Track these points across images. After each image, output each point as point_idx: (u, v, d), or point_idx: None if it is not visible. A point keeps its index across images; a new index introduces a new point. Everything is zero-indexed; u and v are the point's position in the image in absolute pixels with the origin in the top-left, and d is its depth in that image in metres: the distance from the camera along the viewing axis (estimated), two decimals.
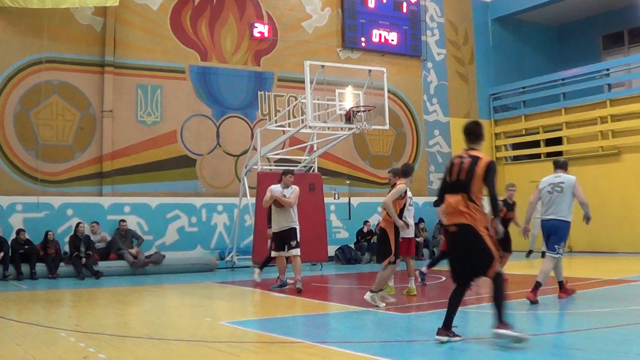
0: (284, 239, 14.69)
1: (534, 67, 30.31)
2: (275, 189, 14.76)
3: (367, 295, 11.58)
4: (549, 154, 27.87)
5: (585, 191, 25.93)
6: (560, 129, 27.43)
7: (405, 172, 12.42)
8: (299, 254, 14.78)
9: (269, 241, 16.14)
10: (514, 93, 29.75)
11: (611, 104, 25.67)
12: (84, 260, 18.94)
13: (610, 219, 24.99)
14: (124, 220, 20.67)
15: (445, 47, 29.40)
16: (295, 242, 14.57)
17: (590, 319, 10.16)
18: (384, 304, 11.54)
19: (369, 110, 19.21)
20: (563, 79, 27.70)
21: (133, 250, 20.13)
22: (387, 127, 20.32)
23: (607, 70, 26.77)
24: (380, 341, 8.66)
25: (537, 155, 28.34)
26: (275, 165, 22.49)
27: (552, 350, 7.83)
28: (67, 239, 19.64)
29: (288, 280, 15.43)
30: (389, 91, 21.26)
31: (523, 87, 29.21)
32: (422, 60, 28.55)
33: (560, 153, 27.41)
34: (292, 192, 14.85)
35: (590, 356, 7.49)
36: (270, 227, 15.47)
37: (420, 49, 28.40)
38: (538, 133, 28.24)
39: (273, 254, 15.00)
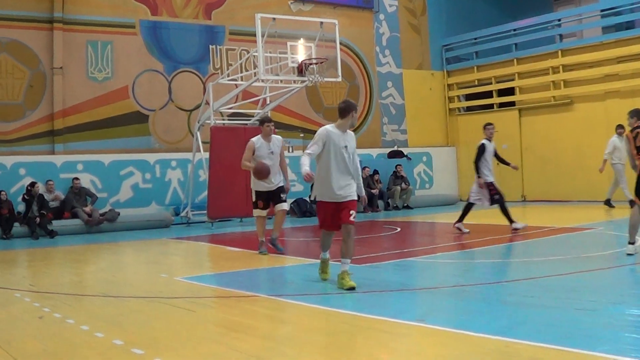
0: (270, 198, 13.16)
1: (486, 17, 30.26)
2: (257, 142, 13.07)
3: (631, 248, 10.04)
4: (501, 105, 28.04)
5: (537, 141, 26.28)
6: (512, 79, 27.53)
7: None
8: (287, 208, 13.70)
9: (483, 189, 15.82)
10: (466, 44, 29.76)
11: (563, 54, 25.80)
12: (38, 219, 18.78)
13: (563, 168, 25.31)
14: (77, 178, 20.46)
15: None
16: (285, 196, 13.31)
17: (543, 266, 10.32)
18: None
19: (321, 63, 19.18)
20: (515, 30, 27.71)
21: (87, 209, 19.98)
22: (339, 79, 20.26)
23: (559, 20, 26.84)
24: (336, 293, 8.73)
25: (490, 106, 28.46)
26: (228, 120, 22.40)
27: (505, 298, 7.95)
28: (20, 199, 19.43)
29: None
30: (341, 43, 21.19)
31: (475, 38, 29.21)
32: (374, 12, 28.44)
33: (512, 103, 27.63)
34: (279, 147, 13.36)
35: (543, 303, 7.62)
36: (480, 177, 15.64)
37: (373, 0, 28.27)
38: (490, 84, 28.33)
39: (257, 212, 13.26)
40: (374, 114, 27.98)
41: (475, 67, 28.94)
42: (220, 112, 21.98)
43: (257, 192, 13.16)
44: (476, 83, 29.05)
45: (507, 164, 16.48)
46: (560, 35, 26.59)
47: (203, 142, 20.78)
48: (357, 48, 27.80)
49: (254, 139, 13.18)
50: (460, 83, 29.77)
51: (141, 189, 22.15)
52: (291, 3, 26.17)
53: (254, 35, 18.76)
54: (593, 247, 12.42)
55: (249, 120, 21.88)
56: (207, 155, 20.34)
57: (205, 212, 20.41)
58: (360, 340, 6.40)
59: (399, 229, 17.67)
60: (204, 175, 21.37)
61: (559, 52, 25.81)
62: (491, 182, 15.76)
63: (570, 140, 25.23)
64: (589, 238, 14.12)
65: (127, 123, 22.54)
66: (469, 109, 29.66)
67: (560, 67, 25.74)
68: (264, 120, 13.40)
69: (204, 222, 20.96)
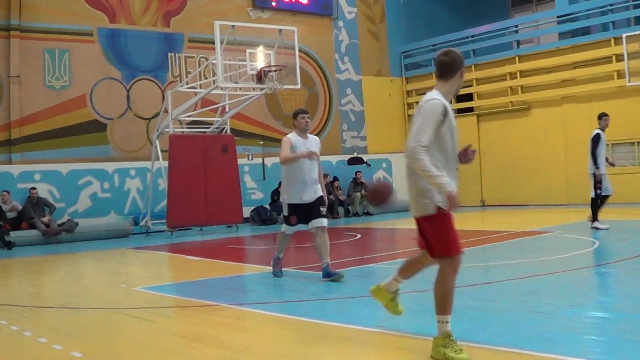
0: (308, 212, 10.52)
1: (444, 24, 30.46)
2: (293, 138, 10.60)
3: None
4: (459, 110, 28.22)
5: (496, 146, 26.57)
6: (470, 85, 27.73)
7: None
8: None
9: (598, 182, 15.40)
10: (425, 50, 29.92)
11: (520, 60, 26.08)
12: None
13: (521, 172, 25.59)
14: (34, 188, 20.22)
15: (356, 6, 29.36)
16: (325, 210, 10.72)
17: (503, 270, 10.39)
18: None
19: (280, 70, 19.20)
20: (473, 36, 27.97)
21: (45, 219, 19.76)
22: (298, 86, 20.28)
23: (516, 27, 27.18)
24: (296, 301, 8.71)
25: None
26: (188, 128, 22.31)
27: (464, 302, 7.97)
28: None
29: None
30: (300, 50, 21.25)
31: (433, 45, 29.36)
32: (333, 19, 28.51)
33: (471, 109, 27.82)
34: (319, 148, 10.82)
35: (502, 307, 7.67)
36: (598, 168, 15.15)
37: (332, 7, 28.33)
38: None
39: (285, 228, 10.70)
40: (333, 121, 28.02)
41: (433, 73, 28.98)
42: (179, 120, 21.89)
43: (292, 206, 10.51)
44: None
45: (607, 159, 16.31)
46: (518, 42, 26.88)
47: (162, 151, 20.67)
48: (316, 55, 27.84)
49: (289, 135, 10.69)
50: (419, 89, 29.89)
51: (100, 198, 21.98)
52: (250, 10, 26.15)
53: (213, 42, 18.71)
54: (551, 251, 12.54)
55: (208, 128, 21.83)
56: (166, 163, 20.24)
57: (165, 221, 20.29)
58: (321, 348, 6.38)
59: (359, 236, 17.69)
60: (163, 184, 21.25)
61: (516, 58, 26.10)
62: (602, 174, 15.55)
63: (527, 145, 25.52)
64: (546, 242, 14.24)
65: (85, 132, 22.36)
66: None
67: (518, 72, 26.03)
68: (297, 113, 10.74)
69: (163, 231, 20.84)
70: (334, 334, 6.83)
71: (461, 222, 15.48)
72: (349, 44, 28.94)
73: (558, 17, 25.68)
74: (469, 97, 27.95)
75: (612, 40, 23.35)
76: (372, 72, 29.36)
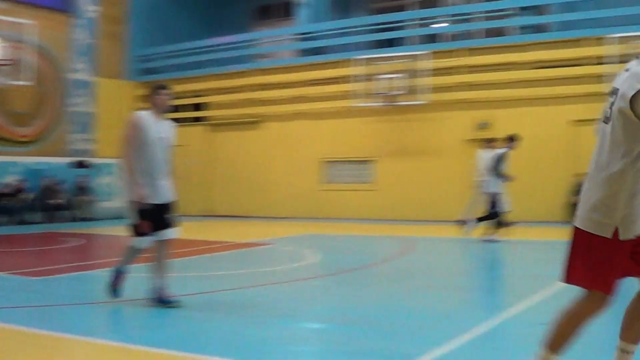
0: (160, 214, 8.29)
1: (186, 31, 30.48)
2: (147, 119, 8.28)
3: None
4: (194, 119, 28.39)
5: (226, 157, 26.96)
6: (206, 95, 28.06)
7: None
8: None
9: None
10: (163, 56, 29.82)
11: (256, 73, 26.72)
12: None
13: (249, 184, 26.17)
14: None
15: (98, 5, 28.69)
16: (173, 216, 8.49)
17: (221, 281, 10.59)
18: None
19: (8, 64, 18.56)
20: (213, 46, 28.27)
21: None
22: (29, 82, 19.61)
23: (256, 40, 27.86)
24: (4, 307, 8.42)
25: (182, 120, 28.69)
26: None
27: (177, 312, 8.01)
28: None
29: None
30: (34, 46, 20.54)
31: (171, 51, 29.38)
32: (73, 16, 27.70)
33: (204, 118, 28.09)
34: (172, 135, 8.54)
35: (216, 317, 7.82)
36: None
37: (72, 4, 27.54)
38: (184, 98, 28.61)
39: (137, 242, 8.46)
40: (62, 122, 27.11)
41: (170, 80, 29.06)
42: None
43: (142, 207, 8.15)
44: None
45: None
46: (256, 55, 27.54)
47: None
48: (51, 52, 26.90)
49: (141, 113, 8.39)
50: None
51: None
52: None
53: None
54: (268, 262, 12.97)
55: None
56: None
57: None
58: (22, 357, 6.19)
59: (80, 241, 17.38)
60: None
61: (253, 71, 26.71)
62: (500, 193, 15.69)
63: (257, 158, 26.21)
64: (265, 253, 14.69)
65: None
66: None
67: (253, 85, 26.62)
68: (158, 88, 8.44)
69: None
70: (40, 342, 6.67)
71: (184, 231, 15.58)
72: (86, 43, 28.22)
73: (297, 34, 26.65)
74: (202, 106, 28.23)
75: (346, 61, 24.52)
76: (108, 74, 28.78)
